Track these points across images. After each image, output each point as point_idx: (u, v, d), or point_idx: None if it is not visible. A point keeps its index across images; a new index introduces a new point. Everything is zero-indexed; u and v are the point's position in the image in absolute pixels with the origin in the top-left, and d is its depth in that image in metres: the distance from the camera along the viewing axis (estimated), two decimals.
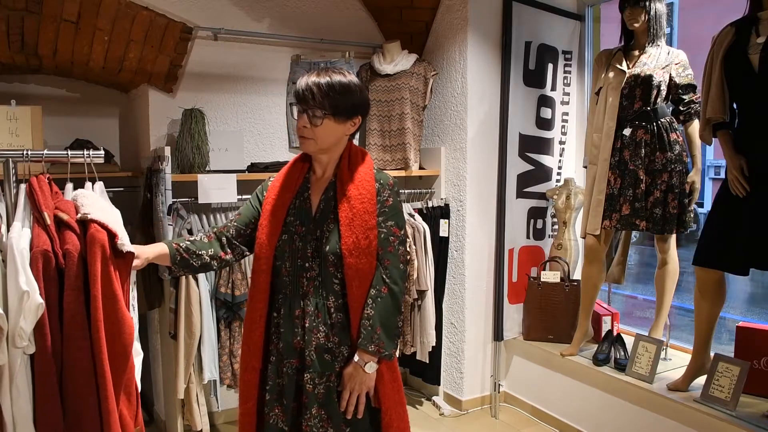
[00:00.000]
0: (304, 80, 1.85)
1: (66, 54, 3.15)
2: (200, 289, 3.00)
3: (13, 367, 1.86)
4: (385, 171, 2.05)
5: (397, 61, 3.80)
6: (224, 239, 2.02)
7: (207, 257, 1.98)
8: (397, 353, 3.60)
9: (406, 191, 3.94)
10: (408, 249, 3.59)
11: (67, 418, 1.89)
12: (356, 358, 1.87)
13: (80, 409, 1.90)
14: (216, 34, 3.48)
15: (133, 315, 2.20)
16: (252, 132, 3.71)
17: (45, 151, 2.13)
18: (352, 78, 1.90)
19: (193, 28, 3.37)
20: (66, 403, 1.88)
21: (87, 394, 1.86)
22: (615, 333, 3.50)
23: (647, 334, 3.29)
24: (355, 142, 3.72)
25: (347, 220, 1.87)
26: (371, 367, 1.87)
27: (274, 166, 3.43)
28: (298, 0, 3.74)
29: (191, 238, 2.01)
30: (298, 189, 1.99)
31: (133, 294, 2.21)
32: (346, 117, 1.89)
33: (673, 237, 3.23)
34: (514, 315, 3.89)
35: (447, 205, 3.85)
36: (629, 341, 3.34)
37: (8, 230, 1.93)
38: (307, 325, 1.88)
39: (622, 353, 3.34)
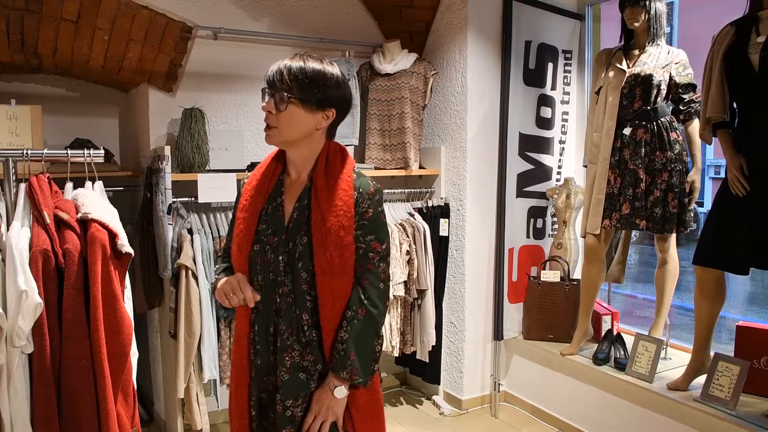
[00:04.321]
0: (277, 63, 1.69)
1: (66, 53, 3.15)
2: (200, 289, 3.00)
3: (11, 367, 1.87)
4: (366, 177, 1.77)
5: (397, 61, 3.79)
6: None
7: None
8: (396, 352, 3.64)
9: (406, 190, 3.94)
10: (407, 258, 3.59)
11: (64, 418, 1.89)
12: (327, 380, 1.72)
13: (78, 409, 1.90)
14: (216, 34, 3.48)
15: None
16: (252, 131, 3.71)
17: (45, 151, 2.14)
18: (331, 68, 1.70)
19: (192, 28, 3.37)
20: (63, 402, 1.89)
21: (85, 393, 1.87)
22: (615, 332, 3.50)
23: (647, 334, 3.29)
24: (355, 141, 3.78)
25: (320, 236, 1.67)
26: (341, 392, 1.71)
27: None
28: None
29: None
30: (270, 192, 1.79)
31: (128, 294, 2.21)
32: (316, 106, 1.67)
33: (673, 236, 3.23)
34: (514, 314, 3.89)
35: (447, 205, 3.85)
36: (629, 341, 3.34)
37: (8, 229, 1.93)
38: (279, 344, 1.72)
39: (622, 353, 3.34)
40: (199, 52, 3.49)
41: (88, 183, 2.19)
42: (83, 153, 2.15)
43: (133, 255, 1.98)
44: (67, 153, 2.16)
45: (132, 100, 3.73)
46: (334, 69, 1.70)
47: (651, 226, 3.11)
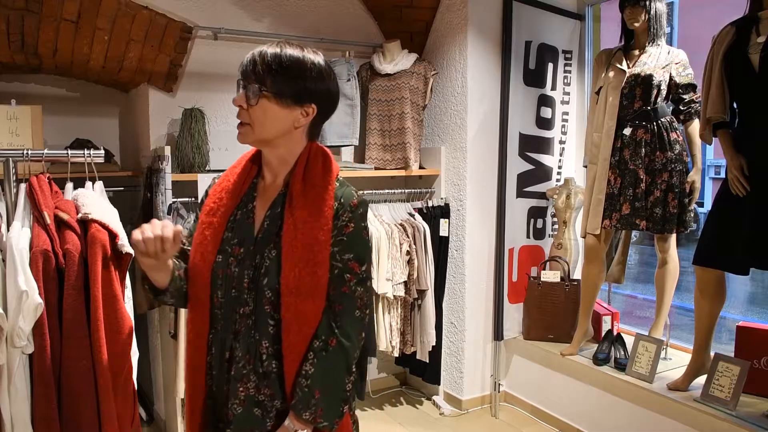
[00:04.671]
0: (252, 51, 1.47)
1: (66, 53, 3.15)
2: None
3: (11, 367, 1.87)
4: (351, 187, 1.56)
5: (397, 61, 3.79)
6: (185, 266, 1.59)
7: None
8: (396, 352, 3.64)
9: (406, 191, 3.94)
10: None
11: (64, 418, 1.89)
12: (287, 421, 1.48)
13: (78, 409, 1.90)
14: (216, 34, 3.48)
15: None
16: None
17: (45, 151, 2.14)
18: (312, 57, 1.49)
19: (193, 28, 3.37)
20: (64, 402, 1.89)
21: (85, 393, 1.87)
22: (615, 332, 3.50)
23: (647, 334, 3.29)
24: (355, 141, 3.78)
25: (290, 249, 1.46)
26: None
27: None
28: None
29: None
30: (242, 197, 1.57)
31: (128, 294, 2.21)
32: (293, 101, 1.45)
33: (673, 236, 3.23)
34: (514, 314, 3.89)
35: (447, 205, 3.85)
36: (629, 341, 3.34)
37: (8, 230, 1.93)
38: (233, 373, 1.49)
39: (622, 353, 3.34)
40: (199, 52, 3.49)
41: (89, 183, 2.19)
42: (83, 153, 2.16)
43: (133, 255, 1.98)
44: (67, 153, 2.16)
45: (132, 100, 3.73)
46: (316, 58, 1.49)
47: (651, 227, 3.11)
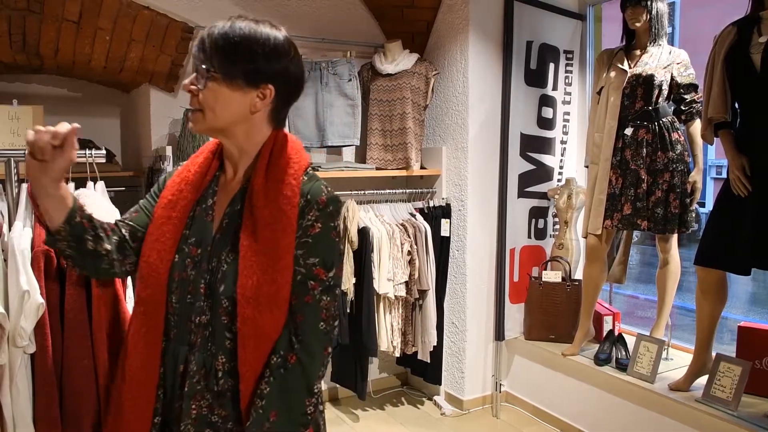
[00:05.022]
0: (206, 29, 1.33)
1: (67, 54, 3.16)
2: None
3: (13, 367, 1.87)
4: (321, 182, 1.37)
5: (398, 61, 3.79)
6: (115, 239, 1.40)
7: (105, 247, 1.37)
8: (397, 353, 3.64)
9: (407, 191, 3.93)
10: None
11: (66, 417, 1.90)
12: None
13: (80, 409, 1.90)
14: None
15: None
16: None
17: None
18: (267, 31, 1.31)
19: (194, 28, 3.37)
20: (66, 402, 1.89)
21: (87, 393, 1.87)
22: (616, 333, 3.50)
23: (648, 334, 3.29)
24: (356, 142, 3.78)
25: (249, 253, 1.30)
26: None
27: None
28: (299, 0, 3.74)
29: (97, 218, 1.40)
30: (203, 192, 1.42)
31: (130, 294, 2.22)
32: (244, 82, 1.29)
33: (675, 237, 3.23)
34: (515, 315, 3.89)
35: (448, 205, 3.84)
36: (630, 341, 3.34)
37: (10, 230, 1.94)
38: (186, 389, 1.34)
39: (624, 353, 3.33)
40: None
41: (90, 183, 2.20)
42: (85, 153, 2.16)
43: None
44: None
45: (133, 100, 3.73)
46: (273, 33, 1.32)
47: (652, 227, 3.11)
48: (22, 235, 1.88)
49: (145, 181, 3.31)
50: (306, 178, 1.36)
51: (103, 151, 2.23)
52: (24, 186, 1.98)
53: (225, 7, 3.49)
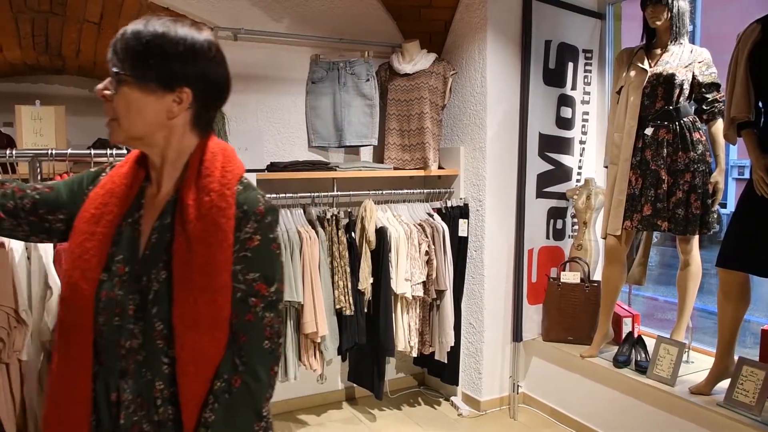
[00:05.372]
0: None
1: (89, 54, 3.19)
2: None
3: (37, 362, 1.89)
4: (256, 191, 1.28)
5: (416, 61, 3.79)
6: (11, 203, 1.31)
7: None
8: (414, 353, 3.64)
9: (425, 191, 3.93)
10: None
11: None
12: None
13: None
14: (236, 35, 3.50)
15: None
16: (271, 131, 3.72)
17: (69, 150, 2.17)
18: (185, 32, 1.22)
19: (213, 29, 3.39)
20: None
21: None
22: (636, 335, 3.47)
23: (669, 337, 3.25)
24: (374, 142, 3.78)
25: (183, 272, 1.20)
26: None
27: (293, 166, 3.44)
28: (317, 0, 3.75)
29: None
30: (130, 205, 1.29)
31: None
32: (158, 85, 1.19)
33: (696, 238, 3.19)
34: (533, 316, 3.87)
35: (466, 205, 3.83)
36: (650, 343, 3.31)
37: None
38: (122, 420, 1.22)
39: (643, 355, 3.30)
40: None
41: None
42: (106, 152, 2.18)
43: None
44: (90, 153, 2.19)
45: None
46: (190, 33, 1.22)
47: (673, 228, 3.08)
48: None
49: None
50: (241, 188, 1.25)
51: (124, 151, 2.24)
52: None
53: (243, 7, 3.50)
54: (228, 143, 1.34)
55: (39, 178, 2.08)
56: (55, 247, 1.91)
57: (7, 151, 2.08)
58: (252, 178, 3.19)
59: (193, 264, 1.19)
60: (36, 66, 3.34)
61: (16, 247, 1.88)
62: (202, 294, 1.19)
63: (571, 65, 3.88)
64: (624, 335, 3.49)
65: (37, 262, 1.86)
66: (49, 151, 2.12)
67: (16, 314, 1.84)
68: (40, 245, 1.89)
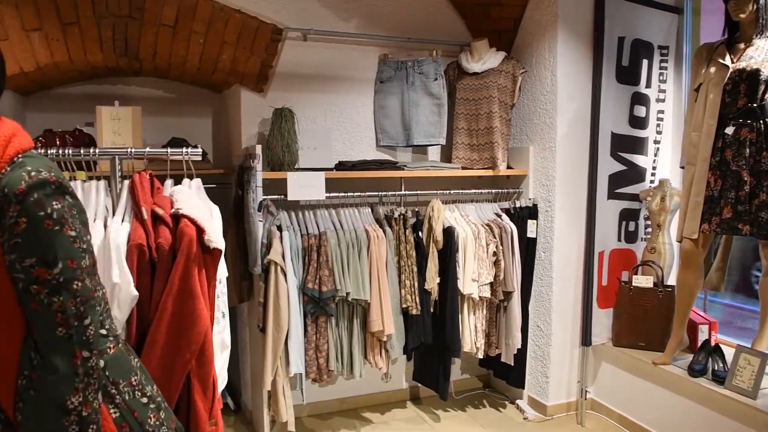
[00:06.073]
0: None
1: (164, 56, 3.29)
2: (288, 285, 3.06)
3: None
4: (27, 167, 1.16)
5: (485, 59, 3.75)
6: None
7: None
8: (480, 354, 3.60)
9: (493, 191, 3.88)
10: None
11: None
12: None
13: (165, 396, 1.96)
14: (305, 35, 3.54)
15: (224, 310, 2.27)
16: (340, 130, 3.75)
17: (147, 149, 2.24)
18: None
19: (283, 30, 3.45)
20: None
21: (171, 379, 1.93)
22: (713, 343, 3.32)
23: (750, 346, 3.10)
24: (442, 141, 3.76)
25: None
26: None
27: (362, 165, 3.46)
28: None
29: None
30: None
31: (222, 289, 2.28)
32: None
33: None
34: (603, 320, 3.76)
35: (535, 206, 3.76)
36: (728, 353, 3.16)
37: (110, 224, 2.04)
38: None
39: (721, 365, 3.16)
40: (289, 53, 3.56)
41: (186, 180, 2.28)
42: (182, 152, 2.24)
43: (222, 251, 2.03)
44: (167, 151, 2.25)
45: (225, 100, 3.86)
46: None
47: (756, 232, 2.92)
48: (119, 230, 1.97)
49: (236, 179, 3.41)
50: (9, 168, 1.15)
51: (199, 150, 2.30)
52: (126, 182, 2.07)
53: (313, 7, 3.54)
54: (11, 122, 1.25)
55: (120, 175, 2.16)
56: (127, 243, 1.98)
57: (91, 150, 2.17)
58: (320, 177, 3.22)
59: None
60: (115, 68, 3.48)
61: (95, 242, 1.96)
62: None
63: (645, 62, 3.75)
64: (700, 343, 3.35)
65: (108, 257, 1.92)
66: (129, 150, 2.20)
67: None
68: (113, 241, 1.95)
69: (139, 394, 1.39)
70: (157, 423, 1.41)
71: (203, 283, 1.98)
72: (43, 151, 2.13)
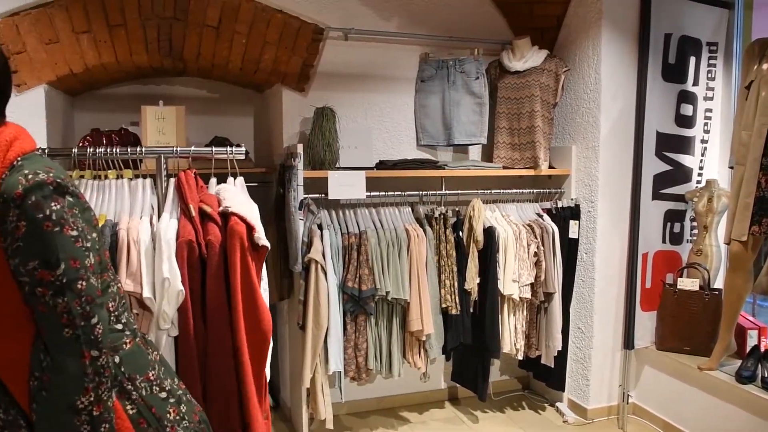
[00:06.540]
0: None
1: (208, 57, 3.34)
2: (328, 283, 3.08)
3: (158, 347, 2.00)
4: (25, 170, 1.17)
5: (527, 58, 3.71)
6: None
7: None
8: (520, 355, 3.56)
9: (534, 191, 3.84)
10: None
11: (208, 397, 2.01)
12: None
13: (221, 389, 2.01)
14: (346, 34, 3.55)
15: None
16: (380, 130, 3.76)
17: (192, 148, 2.27)
18: None
19: (324, 29, 3.46)
20: (208, 382, 2.01)
21: (227, 374, 1.97)
22: (762, 349, 3.23)
23: None
24: (483, 140, 3.73)
25: None
26: None
27: (402, 164, 3.46)
28: None
29: None
30: None
31: (264, 286, 2.31)
32: None
33: None
34: (646, 323, 3.69)
35: (577, 206, 3.71)
36: None
37: (158, 220, 2.07)
38: None
39: None
40: (330, 52, 3.58)
41: (230, 178, 2.31)
42: (226, 151, 2.27)
43: (269, 248, 2.06)
44: (211, 150, 2.28)
45: (266, 100, 3.89)
46: None
47: None
48: (168, 226, 2.01)
49: (277, 177, 3.43)
50: (8, 173, 1.17)
51: (243, 149, 2.33)
52: (172, 180, 2.11)
53: (353, 7, 3.55)
54: (16, 126, 1.28)
55: (165, 174, 2.20)
56: (177, 239, 2.01)
57: (137, 149, 2.21)
58: (361, 176, 3.23)
59: None
60: (160, 69, 3.54)
61: (144, 238, 2.00)
62: None
63: (693, 59, 3.66)
64: (748, 349, 3.26)
65: (159, 253, 1.96)
66: (174, 149, 2.23)
67: (140, 301, 1.95)
68: (163, 237, 1.99)
69: (158, 389, 1.40)
70: (177, 417, 1.41)
71: None
72: (90, 150, 2.18)
